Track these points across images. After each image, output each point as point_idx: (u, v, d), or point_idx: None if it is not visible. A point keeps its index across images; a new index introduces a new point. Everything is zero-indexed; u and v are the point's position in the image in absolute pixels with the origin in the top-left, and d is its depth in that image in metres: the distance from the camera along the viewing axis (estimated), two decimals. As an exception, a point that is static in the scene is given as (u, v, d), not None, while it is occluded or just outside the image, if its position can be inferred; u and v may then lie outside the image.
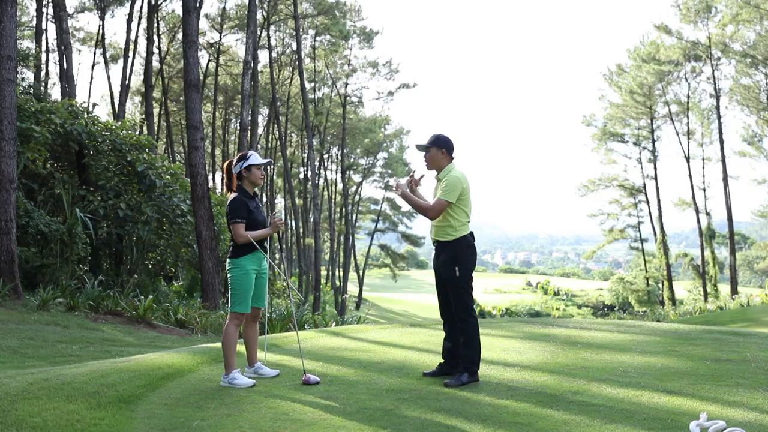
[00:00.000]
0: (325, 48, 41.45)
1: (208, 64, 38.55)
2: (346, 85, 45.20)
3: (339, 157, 48.77)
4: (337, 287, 48.89)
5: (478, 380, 4.64)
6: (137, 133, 22.22)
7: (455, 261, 4.67)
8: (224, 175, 4.89)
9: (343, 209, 50.88)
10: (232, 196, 4.78)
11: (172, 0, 33.92)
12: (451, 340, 4.85)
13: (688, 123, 40.58)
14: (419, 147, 4.85)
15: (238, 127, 26.03)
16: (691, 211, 39.79)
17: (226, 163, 4.88)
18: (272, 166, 42.51)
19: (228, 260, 4.76)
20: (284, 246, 51.46)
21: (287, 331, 9.52)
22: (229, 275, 4.74)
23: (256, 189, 4.92)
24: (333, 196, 50.96)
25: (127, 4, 30.55)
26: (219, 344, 6.01)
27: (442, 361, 4.94)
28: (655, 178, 43.52)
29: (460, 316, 4.70)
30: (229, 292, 4.75)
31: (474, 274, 4.83)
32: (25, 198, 13.20)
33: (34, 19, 27.59)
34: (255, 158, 4.78)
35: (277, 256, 53.02)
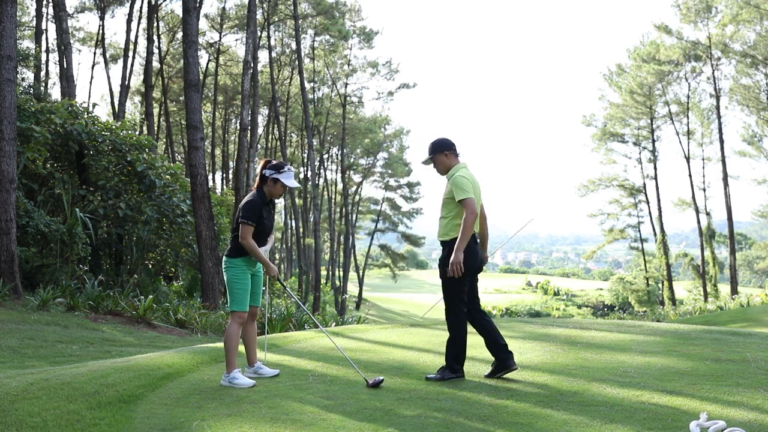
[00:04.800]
0: (325, 48, 41.44)
1: (208, 64, 38.53)
2: (346, 85, 45.19)
3: (339, 157, 48.75)
4: (337, 287, 48.87)
5: (463, 376, 4.68)
6: (137, 133, 22.22)
7: (447, 260, 4.67)
8: (258, 171, 4.94)
9: (343, 209, 50.87)
10: (251, 194, 4.84)
11: (172, 0, 33.95)
12: (482, 334, 4.76)
13: (688, 123, 40.61)
14: (425, 162, 4.90)
15: (238, 127, 26.01)
16: (691, 211, 39.82)
17: (263, 161, 4.91)
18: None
19: (224, 258, 4.80)
20: (284, 246, 51.46)
21: (287, 331, 9.53)
22: (225, 275, 4.79)
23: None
24: (333, 196, 50.94)
25: (127, 4, 30.57)
26: (219, 344, 6.03)
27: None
28: (655, 178, 43.57)
29: (446, 314, 4.76)
30: (227, 291, 4.78)
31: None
32: (25, 198, 13.19)
33: (34, 19, 27.56)
34: (288, 177, 4.82)
35: (277, 256, 53.14)
